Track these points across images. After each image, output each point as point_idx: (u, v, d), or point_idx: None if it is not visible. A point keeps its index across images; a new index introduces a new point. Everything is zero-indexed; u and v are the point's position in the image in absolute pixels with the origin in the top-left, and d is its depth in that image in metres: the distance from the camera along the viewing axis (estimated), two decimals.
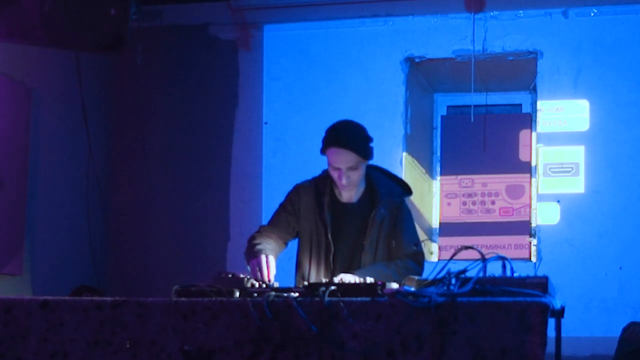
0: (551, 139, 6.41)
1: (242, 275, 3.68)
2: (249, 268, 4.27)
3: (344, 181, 4.36)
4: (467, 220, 6.60)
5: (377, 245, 4.42)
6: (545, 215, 6.36)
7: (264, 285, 3.72)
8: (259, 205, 6.62)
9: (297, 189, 4.55)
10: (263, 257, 4.17)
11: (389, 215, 4.45)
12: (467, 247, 3.58)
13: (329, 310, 3.36)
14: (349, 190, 4.46)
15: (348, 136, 4.37)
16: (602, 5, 6.33)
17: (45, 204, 6.15)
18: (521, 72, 6.62)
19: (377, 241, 4.42)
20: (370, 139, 4.42)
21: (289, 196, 4.55)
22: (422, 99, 6.86)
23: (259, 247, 4.30)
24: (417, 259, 4.45)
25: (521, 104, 6.89)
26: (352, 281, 3.85)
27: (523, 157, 6.61)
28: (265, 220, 4.72)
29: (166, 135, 6.86)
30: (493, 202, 6.60)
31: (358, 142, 4.37)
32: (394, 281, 3.82)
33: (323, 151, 4.40)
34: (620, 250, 6.19)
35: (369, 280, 3.67)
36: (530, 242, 6.50)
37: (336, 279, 4.01)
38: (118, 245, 6.81)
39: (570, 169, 6.36)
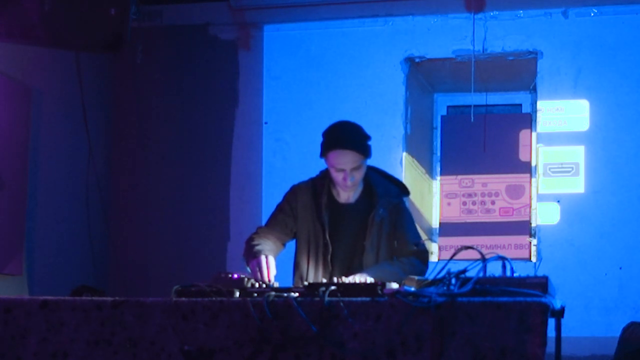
0: (551, 139, 6.41)
1: (242, 276, 3.68)
2: (248, 269, 4.27)
3: (349, 182, 4.37)
4: (467, 220, 6.60)
5: (378, 246, 4.43)
6: (545, 215, 6.36)
7: (264, 286, 3.72)
8: (259, 205, 6.62)
9: (294, 190, 4.55)
10: (263, 258, 4.17)
11: (388, 215, 4.46)
12: (467, 247, 3.59)
13: (329, 310, 3.36)
14: (349, 191, 4.47)
15: (349, 136, 4.38)
16: (602, 5, 6.33)
17: (45, 203, 6.15)
18: (521, 72, 6.62)
19: (379, 242, 4.43)
20: (368, 137, 4.44)
21: (286, 197, 4.56)
22: (422, 99, 6.86)
23: (258, 247, 4.30)
24: (421, 256, 4.47)
25: (521, 104, 6.89)
26: (364, 281, 3.85)
27: (523, 157, 6.61)
28: (265, 221, 4.72)
29: (166, 135, 6.86)
30: (493, 202, 6.60)
31: (359, 141, 4.38)
32: (402, 279, 3.82)
33: (323, 155, 4.40)
34: (620, 250, 6.19)
35: (370, 280, 3.67)
36: (530, 242, 6.50)
37: (348, 279, 4.01)
38: (118, 245, 6.81)
39: (570, 169, 6.36)
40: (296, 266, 4.52)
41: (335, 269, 4.41)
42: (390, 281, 3.66)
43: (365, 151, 4.39)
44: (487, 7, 6.46)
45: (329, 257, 4.42)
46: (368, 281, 3.86)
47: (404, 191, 4.62)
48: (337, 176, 4.39)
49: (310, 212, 4.47)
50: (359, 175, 4.40)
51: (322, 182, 4.50)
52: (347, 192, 4.48)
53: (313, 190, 4.51)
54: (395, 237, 4.46)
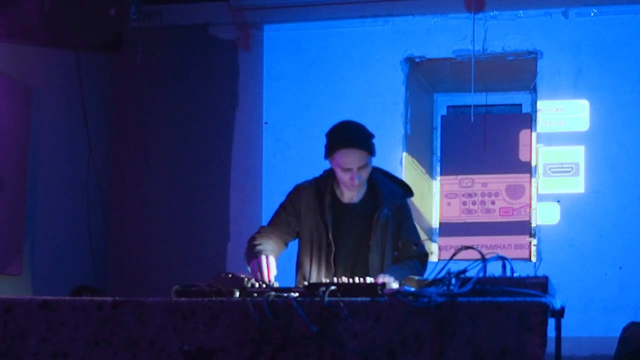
0: (551, 139, 6.41)
1: (242, 276, 3.68)
2: (249, 269, 4.27)
3: (356, 181, 4.36)
4: (467, 220, 6.60)
5: (383, 246, 4.42)
6: (545, 215, 6.36)
7: (264, 286, 3.72)
8: (259, 205, 6.62)
9: (298, 189, 4.55)
10: (263, 258, 4.17)
11: (393, 215, 4.46)
12: (467, 247, 3.59)
13: (329, 310, 3.36)
14: (354, 191, 4.47)
15: (354, 135, 4.38)
16: (602, 5, 6.33)
17: (45, 204, 6.15)
18: (521, 72, 6.62)
19: (384, 241, 4.42)
20: (372, 136, 4.44)
21: (289, 196, 4.55)
22: (422, 99, 6.86)
23: (259, 247, 4.29)
24: (423, 259, 4.50)
25: (521, 104, 6.89)
26: (390, 282, 3.85)
27: (523, 157, 6.61)
28: (265, 221, 4.72)
29: (166, 135, 6.86)
30: (493, 202, 6.59)
31: (365, 140, 4.38)
32: None
33: (329, 155, 4.39)
34: (620, 250, 6.19)
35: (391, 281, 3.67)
36: (530, 242, 6.50)
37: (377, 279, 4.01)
38: (118, 245, 6.81)
39: (570, 169, 6.36)
40: (299, 266, 4.52)
41: (338, 269, 4.41)
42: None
43: (371, 149, 4.39)
44: (487, 7, 6.46)
45: (332, 257, 4.42)
46: (393, 283, 3.86)
47: (408, 192, 4.62)
48: (344, 176, 4.38)
49: (314, 212, 4.47)
50: (366, 173, 4.40)
51: (326, 182, 4.49)
52: (351, 192, 4.48)
53: (316, 190, 4.50)
54: (399, 237, 4.47)
